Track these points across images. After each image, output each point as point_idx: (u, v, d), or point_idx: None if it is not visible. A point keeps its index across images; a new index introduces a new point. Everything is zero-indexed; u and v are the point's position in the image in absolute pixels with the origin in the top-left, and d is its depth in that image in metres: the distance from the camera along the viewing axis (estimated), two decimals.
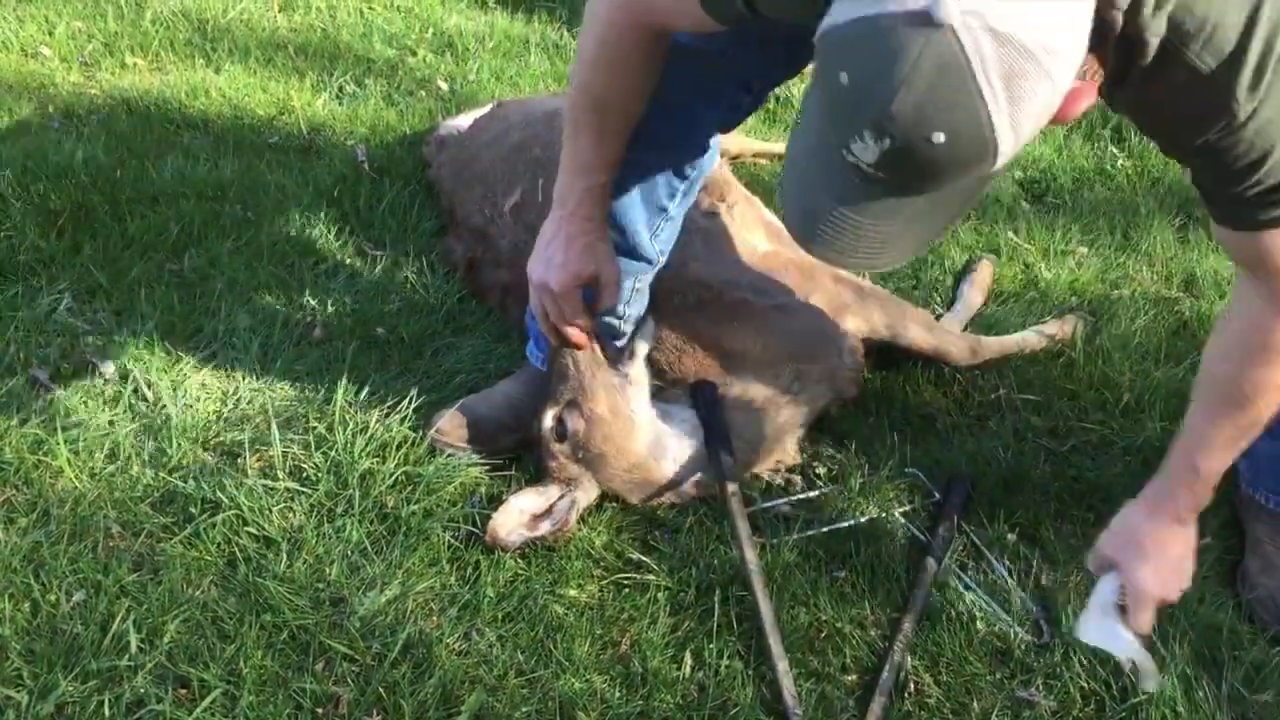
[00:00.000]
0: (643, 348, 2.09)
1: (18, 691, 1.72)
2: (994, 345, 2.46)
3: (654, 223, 2.06)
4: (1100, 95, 1.31)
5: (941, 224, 1.27)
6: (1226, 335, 1.63)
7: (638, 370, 2.06)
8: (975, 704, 1.80)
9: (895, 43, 1.05)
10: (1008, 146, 1.09)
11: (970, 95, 1.05)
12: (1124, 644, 1.67)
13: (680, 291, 2.26)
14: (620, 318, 2.14)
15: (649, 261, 2.10)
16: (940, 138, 1.07)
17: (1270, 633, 1.92)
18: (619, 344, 2.12)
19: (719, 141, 2.06)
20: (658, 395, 2.15)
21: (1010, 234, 2.92)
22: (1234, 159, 1.31)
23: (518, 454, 2.20)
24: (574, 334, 1.93)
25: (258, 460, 2.13)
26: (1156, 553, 1.68)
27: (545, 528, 2.00)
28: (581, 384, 2.01)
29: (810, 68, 1.90)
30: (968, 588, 1.98)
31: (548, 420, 2.06)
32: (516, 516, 1.99)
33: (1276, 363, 1.56)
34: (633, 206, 1.98)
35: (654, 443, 2.06)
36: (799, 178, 1.27)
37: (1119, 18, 1.20)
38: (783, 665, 1.81)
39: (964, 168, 1.11)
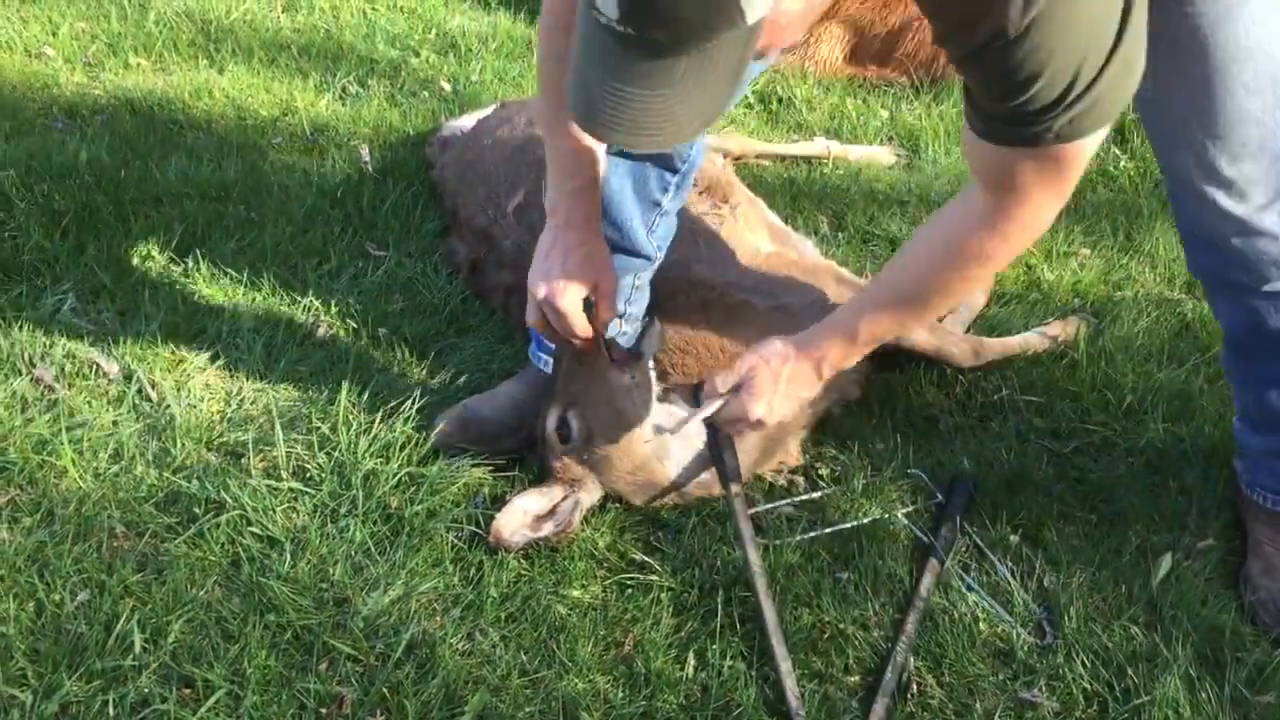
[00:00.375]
0: (650, 350, 2.09)
1: (22, 691, 1.72)
2: (996, 346, 2.46)
3: (649, 218, 2.06)
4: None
5: (717, 98, 1.22)
6: (933, 234, 1.69)
7: (645, 373, 2.06)
8: (978, 705, 1.80)
9: None
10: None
11: None
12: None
13: (683, 293, 2.26)
14: (621, 315, 2.14)
15: (647, 258, 2.11)
16: None
17: (1272, 635, 1.92)
18: (624, 345, 2.12)
19: (705, 135, 2.07)
20: (661, 397, 2.15)
21: None
22: (1002, 73, 1.33)
23: (521, 455, 2.20)
24: (580, 343, 1.93)
25: (261, 460, 2.14)
26: (775, 384, 1.84)
27: (548, 529, 2.00)
28: (588, 387, 2.01)
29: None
30: (970, 589, 1.99)
31: (552, 421, 2.06)
32: (520, 517, 2.00)
33: (966, 271, 1.64)
34: (626, 203, 1.99)
35: (657, 445, 2.07)
36: (575, 62, 1.25)
37: None
38: (786, 666, 1.82)
39: (709, 22, 1.09)
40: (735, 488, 2.02)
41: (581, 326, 1.87)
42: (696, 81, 1.17)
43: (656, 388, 2.09)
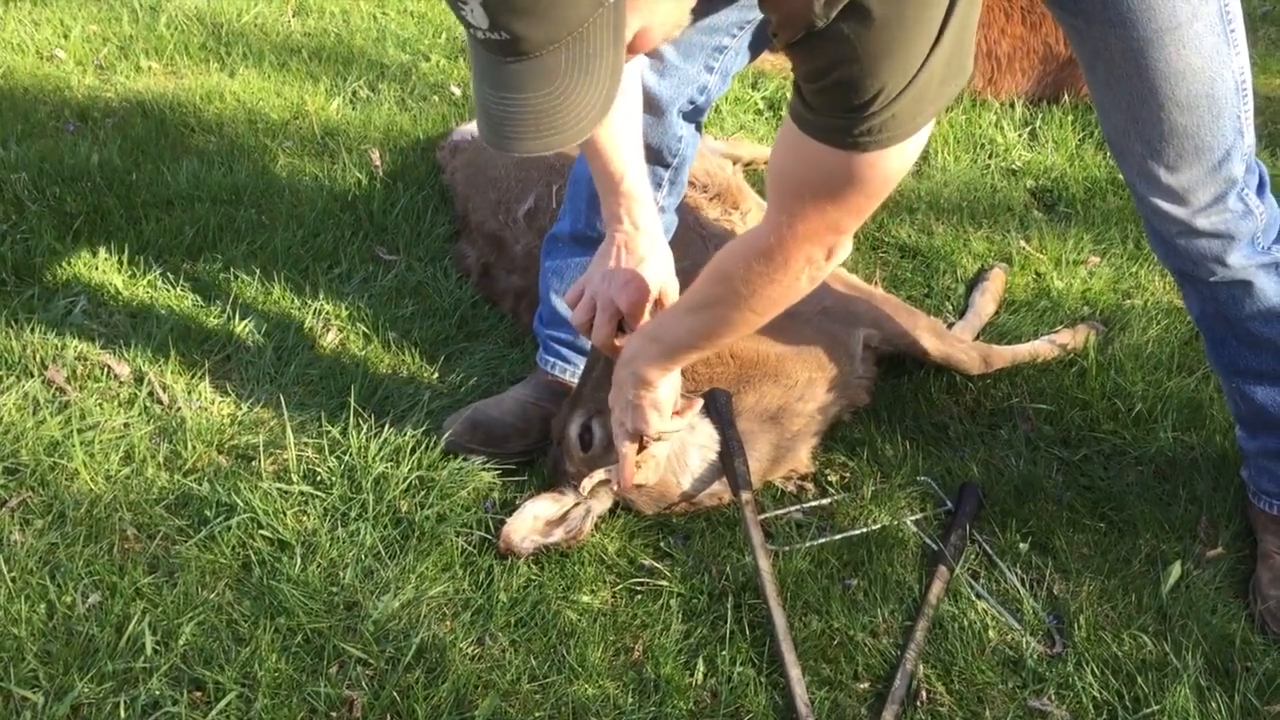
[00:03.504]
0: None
1: (34, 692, 1.73)
2: (1006, 354, 2.46)
3: None
4: None
5: (605, 83, 1.23)
6: (746, 238, 1.65)
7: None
8: (987, 713, 1.80)
9: None
10: None
11: None
12: None
13: None
14: None
15: None
16: None
17: None
18: None
19: (697, 131, 2.07)
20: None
21: (1022, 243, 2.93)
22: (810, 61, 1.32)
23: (530, 458, 2.20)
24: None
25: (272, 464, 2.14)
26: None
27: (559, 535, 2.00)
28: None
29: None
30: (980, 596, 1.99)
31: (575, 428, 2.05)
32: (530, 522, 2.00)
33: (731, 310, 1.63)
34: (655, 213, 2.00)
35: (675, 457, 2.06)
36: (475, 90, 1.27)
37: None
38: (795, 673, 1.82)
39: (574, 4, 1.11)
40: (746, 495, 2.02)
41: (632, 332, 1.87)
42: (581, 70, 1.19)
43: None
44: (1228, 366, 2.01)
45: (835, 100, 1.33)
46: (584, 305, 1.88)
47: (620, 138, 1.82)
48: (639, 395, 1.85)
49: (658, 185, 2.06)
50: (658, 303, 1.89)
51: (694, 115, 2.02)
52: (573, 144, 1.28)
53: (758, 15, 1.89)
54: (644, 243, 1.87)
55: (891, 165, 1.40)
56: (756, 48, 1.97)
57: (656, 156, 2.03)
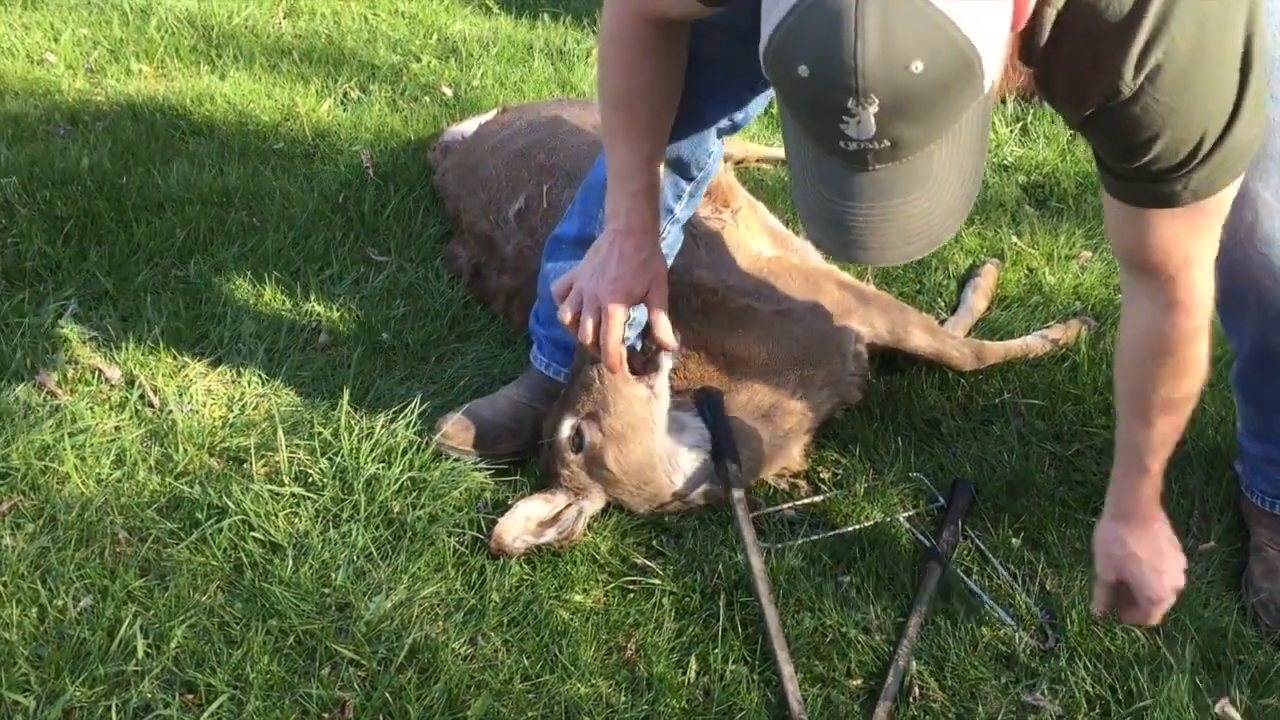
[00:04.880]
0: (668, 362, 2.07)
1: (25, 697, 1.72)
2: (998, 350, 2.46)
3: (661, 224, 2.06)
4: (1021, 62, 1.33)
5: (973, 171, 1.22)
6: (1129, 346, 1.65)
7: (662, 385, 2.05)
8: (980, 708, 1.80)
9: (831, 7, 1.05)
10: (987, 51, 1.09)
11: (924, 13, 1.05)
12: None
13: (684, 297, 2.26)
14: (628, 323, 2.15)
15: None
16: (919, 65, 1.05)
17: (1274, 637, 1.92)
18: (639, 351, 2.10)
19: (723, 146, 2.07)
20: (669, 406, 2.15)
21: (1014, 238, 2.93)
22: (1121, 134, 1.32)
23: (522, 459, 2.20)
24: (615, 351, 1.88)
25: (263, 466, 2.14)
26: (1153, 555, 1.73)
27: (551, 535, 2.00)
28: (605, 398, 2.01)
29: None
30: (972, 592, 1.99)
31: (565, 430, 2.05)
32: (522, 523, 2.00)
33: (1182, 358, 1.59)
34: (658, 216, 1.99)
35: (667, 458, 2.06)
36: (808, 201, 1.24)
37: None
38: (788, 670, 1.82)
39: (957, 87, 1.09)
40: (738, 493, 2.02)
41: (620, 333, 1.85)
42: (953, 164, 1.16)
43: (669, 400, 2.09)
44: (1261, 396, 1.98)
45: (1154, 165, 1.33)
46: (571, 300, 1.87)
47: (660, 133, 1.82)
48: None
49: (677, 197, 2.05)
50: (649, 306, 1.88)
51: (727, 131, 2.01)
52: (936, 246, 1.26)
53: None
54: (641, 243, 1.84)
55: (1230, 193, 1.42)
56: None
57: (684, 169, 2.01)
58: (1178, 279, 1.51)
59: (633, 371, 2.02)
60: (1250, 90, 1.29)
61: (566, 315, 1.87)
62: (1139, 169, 1.36)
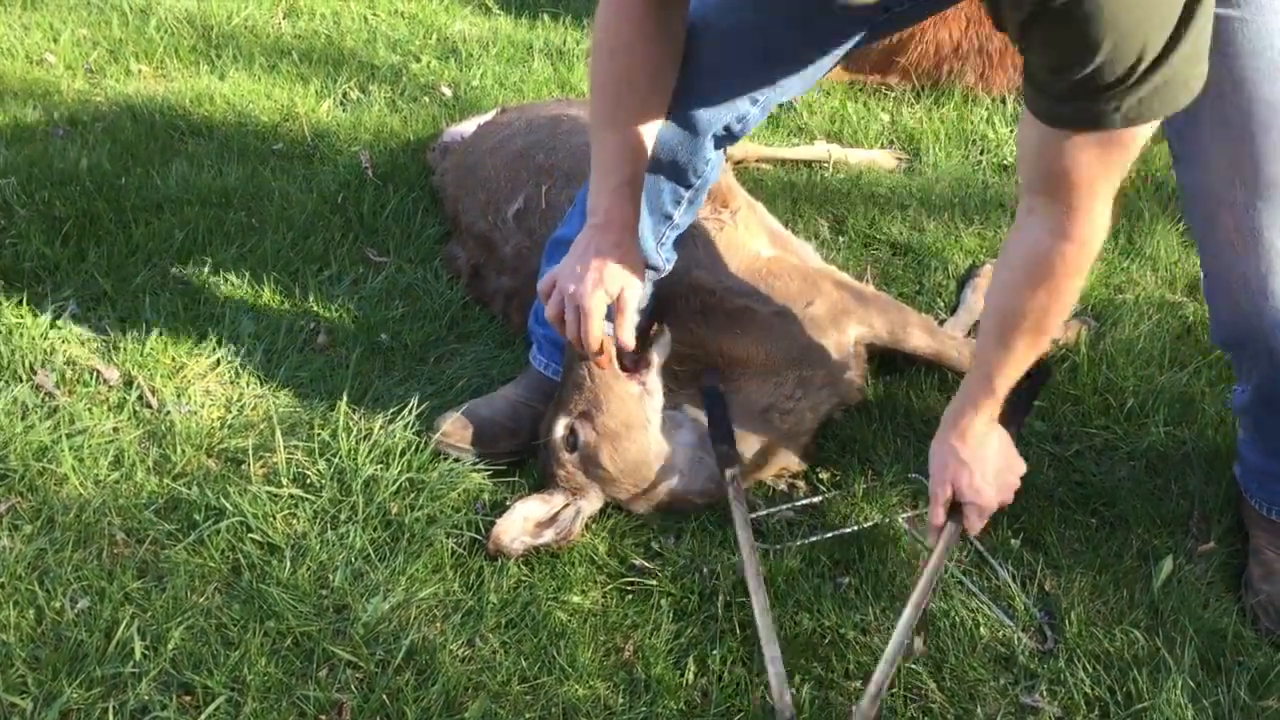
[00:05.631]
0: (658, 359, 2.07)
1: (22, 699, 1.72)
2: None
3: (660, 230, 2.06)
4: None
5: None
6: (1011, 267, 1.65)
7: (654, 381, 2.05)
8: (979, 710, 1.80)
9: None
10: None
11: None
12: None
13: (683, 297, 2.26)
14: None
15: (655, 269, 2.10)
16: None
17: (1273, 638, 1.92)
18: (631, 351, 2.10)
19: (722, 156, 2.06)
20: (665, 405, 2.14)
21: None
22: (1062, 39, 1.32)
23: (520, 459, 2.20)
24: (595, 348, 1.89)
25: (261, 467, 2.14)
26: (979, 463, 1.79)
27: (548, 536, 2.00)
28: (597, 397, 2.01)
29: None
30: (971, 593, 1.98)
31: (559, 430, 2.05)
32: (520, 523, 1.99)
33: (1059, 286, 1.60)
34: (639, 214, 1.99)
35: (662, 454, 2.06)
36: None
37: None
38: (773, 651, 1.76)
39: None
40: (731, 471, 2.00)
41: (599, 329, 1.85)
42: None
43: (662, 397, 2.09)
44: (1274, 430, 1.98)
45: (1091, 79, 1.33)
46: (554, 299, 1.87)
47: (647, 123, 1.81)
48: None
49: (676, 203, 2.05)
50: (616, 306, 1.87)
51: (725, 141, 2.00)
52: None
53: (821, 58, 1.88)
54: (619, 240, 1.83)
55: (1146, 132, 1.43)
56: (803, 84, 1.95)
57: (681, 176, 2.00)
58: (1079, 210, 1.52)
59: (623, 369, 2.01)
60: (1195, 23, 1.30)
61: (550, 313, 1.88)
62: (1076, 84, 1.36)
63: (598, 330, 1.84)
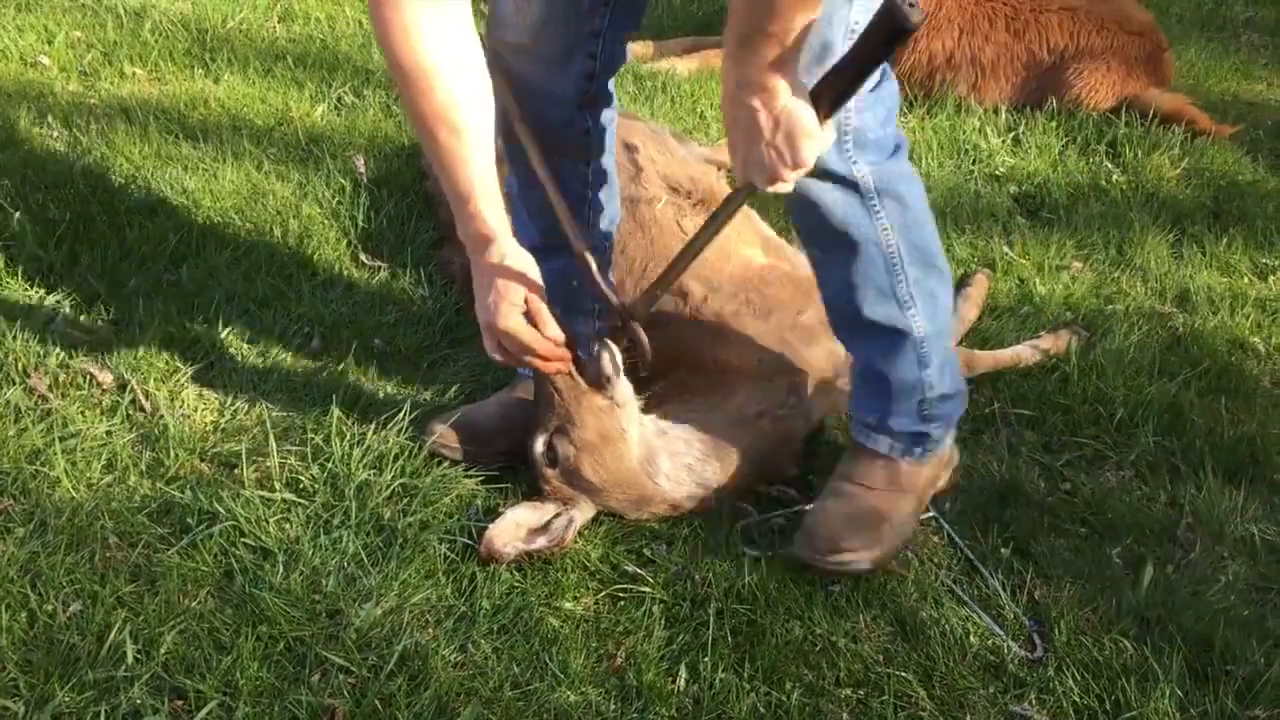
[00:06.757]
0: (612, 372, 2.02)
1: (14, 702, 1.72)
2: (988, 359, 2.48)
3: (582, 211, 2.11)
4: None
5: None
6: None
7: (623, 392, 2.05)
8: (968, 718, 1.81)
9: None
10: None
11: None
12: None
13: (674, 305, 2.27)
14: (587, 312, 2.21)
15: (598, 251, 2.10)
16: None
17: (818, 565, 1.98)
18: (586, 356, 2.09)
19: (600, 120, 2.06)
20: (650, 410, 2.15)
21: (1005, 248, 2.94)
22: None
23: (513, 464, 2.20)
24: (547, 357, 1.92)
25: (255, 471, 2.14)
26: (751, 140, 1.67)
27: (541, 543, 2.00)
28: (568, 411, 2.01)
29: None
30: (961, 602, 1.99)
31: (538, 446, 2.06)
32: (513, 530, 2.00)
33: None
34: (545, 208, 2.00)
35: (646, 460, 2.07)
36: None
37: None
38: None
39: None
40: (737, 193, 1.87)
41: (531, 338, 1.87)
42: None
43: (639, 402, 2.09)
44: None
45: None
46: (487, 340, 1.91)
47: (483, 142, 1.75)
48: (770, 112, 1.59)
49: (583, 181, 2.08)
50: (529, 313, 1.87)
51: (594, 104, 2.01)
52: None
53: None
54: (498, 249, 1.83)
55: None
56: (636, 11, 1.97)
57: (571, 152, 2.05)
58: None
59: (589, 384, 2.02)
60: None
61: (496, 357, 1.92)
62: None
63: (534, 347, 1.88)
